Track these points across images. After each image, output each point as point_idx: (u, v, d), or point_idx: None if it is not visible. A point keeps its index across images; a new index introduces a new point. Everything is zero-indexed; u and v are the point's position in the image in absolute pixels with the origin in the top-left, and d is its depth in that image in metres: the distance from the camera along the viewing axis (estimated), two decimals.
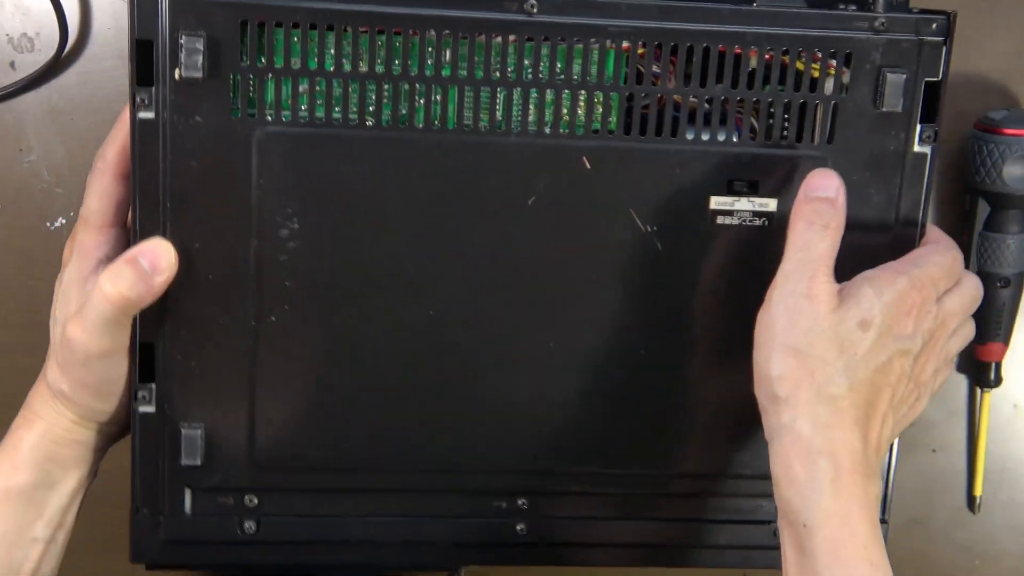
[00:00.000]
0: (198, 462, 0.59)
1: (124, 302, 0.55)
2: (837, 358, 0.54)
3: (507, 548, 0.63)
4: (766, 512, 0.64)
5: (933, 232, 0.61)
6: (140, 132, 0.56)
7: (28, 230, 0.71)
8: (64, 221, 0.71)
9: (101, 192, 0.58)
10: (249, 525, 0.61)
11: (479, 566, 0.65)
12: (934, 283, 0.57)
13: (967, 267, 0.71)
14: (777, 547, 0.63)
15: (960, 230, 0.72)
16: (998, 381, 0.73)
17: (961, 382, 0.75)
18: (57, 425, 0.58)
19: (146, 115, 0.55)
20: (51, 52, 0.69)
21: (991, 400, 0.73)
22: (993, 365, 0.72)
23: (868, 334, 0.54)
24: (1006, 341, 0.72)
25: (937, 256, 0.58)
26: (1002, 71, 0.72)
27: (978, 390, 0.74)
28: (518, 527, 0.63)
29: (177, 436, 0.59)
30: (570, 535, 0.63)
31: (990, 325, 0.71)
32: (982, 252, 0.70)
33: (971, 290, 0.60)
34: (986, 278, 0.70)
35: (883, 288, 0.55)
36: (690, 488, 0.63)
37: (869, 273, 0.57)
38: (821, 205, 0.56)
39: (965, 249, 0.71)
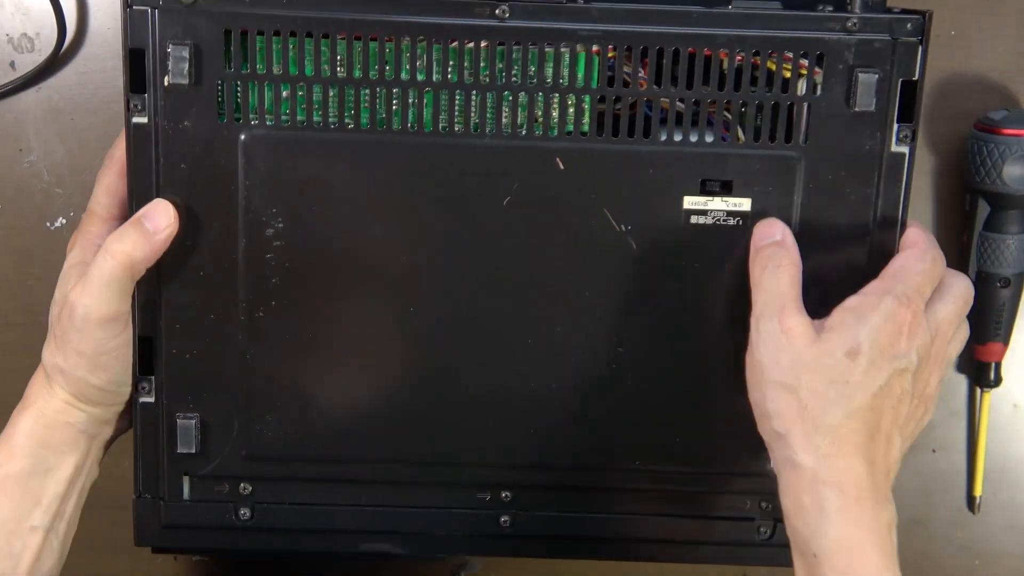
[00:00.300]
0: (193, 450, 0.62)
1: (128, 259, 0.57)
2: (828, 388, 0.54)
3: (491, 539, 0.64)
4: (752, 509, 0.64)
5: (911, 232, 0.60)
6: (134, 136, 0.58)
7: (28, 230, 0.72)
8: (64, 221, 0.72)
9: (108, 187, 0.61)
10: (244, 512, 0.63)
11: (470, 556, 0.66)
12: (920, 294, 0.57)
13: (967, 267, 0.70)
14: (764, 544, 0.64)
15: (960, 230, 0.71)
16: (998, 381, 0.72)
17: (961, 382, 0.74)
18: (49, 406, 0.60)
19: (139, 120, 0.58)
20: (51, 52, 0.70)
21: (991, 400, 0.72)
22: (993, 365, 0.71)
23: (859, 361, 0.54)
24: (1006, 341, 0.71)
25: (917, 264, 0.58)
26: (1002, 71, 0.71)
27: (978, 390, 0.73)
28: (502, 519, 0.64)
29: (174, 425, 0.62)
30: (553, 528, 0.64)
31: (990, 325, 0.70)
32: (982, 252, 0.69)
33: (962, 292, 0.59)
34: (986, 278, 0.70)
35: (866, 313, 0.55)
36: (672, 483, 0.64)
37: (850, 301, 0.56)
38: (770, 249, 0.58)
39: (965, 249, 0.70)
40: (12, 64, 0.70)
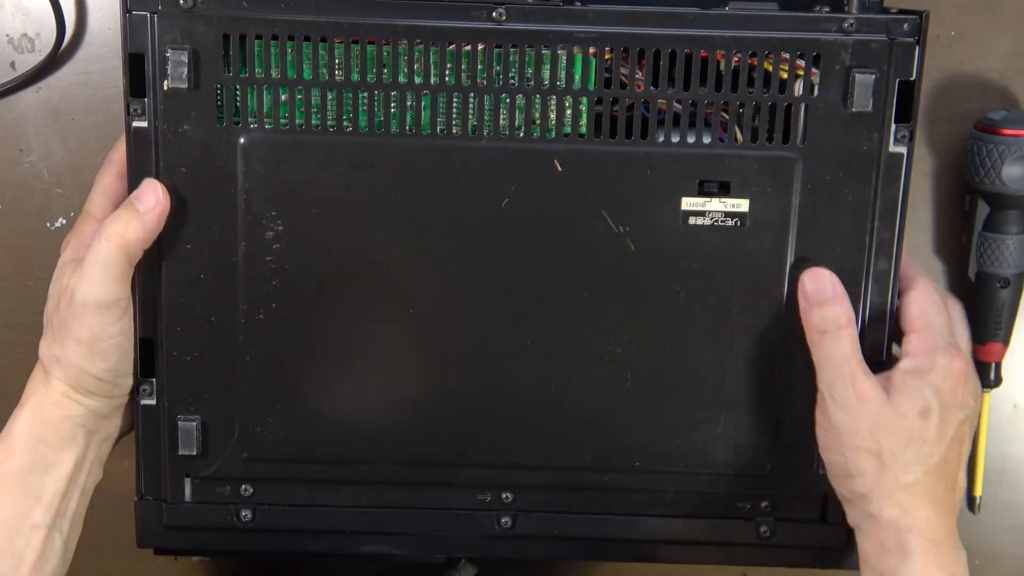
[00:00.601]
0: (194, 452, 0.62)
1: (122, 240, 0.57)
2: (906, 448, 0.57)
3: (491, 540, 0.64)
4: (751, 510, 0.64)
5: (910, 271, 0.61)
6: (134, 140, 0.58)
7: (28, 230, 0.72)
8: (64, 221, 0.72)
9: (105, 188, 0.61)
10: (245, 513, 0.63)
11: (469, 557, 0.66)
12: (952, 337, 0.60)
13: (967, 268, 0.70)
14: (766, 544, 0.64)
15: (960, 230, 0.71)
16: (998, 381, 0.71)
17: None
18: (46, 400, 0.59)
19: (140, 124, 0.58)
20: (49, 51, 0.69)
21: (991, 400, 0.72)
22: (993, 365, 0.71)
23: (931, 420, 0.57)
24: (1006, 341, 0.70)
25: (934, 306, 0.60)
26: (1002, 71, 0.71)
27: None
28: (503, 520, 0.64)
29: (175, 427, 0.62)
30: (554, 529, 0.64)
31: (990, 325, 0.69)
32: (982, 252, 0.69)
33: (963, 314, 0.62)
34: (986, 278, 0.69)
35: (926, 373, 0.58)
36: (672, 484, 0.63)
37: (906, 364, 0.59)
38: (825, 309, 0.59)
39: (965, 249, 0.70)
40: (12, 64, 0.70)
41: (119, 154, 0.60)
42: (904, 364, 0.59)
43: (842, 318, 0.58)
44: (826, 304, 0.59)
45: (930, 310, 0.60)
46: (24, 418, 0.60)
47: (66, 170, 0.71)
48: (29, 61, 0.70)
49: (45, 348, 0.60)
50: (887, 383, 0.58)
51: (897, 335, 0.61)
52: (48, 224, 0.72)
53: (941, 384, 0.58)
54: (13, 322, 0.73)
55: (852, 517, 0.59)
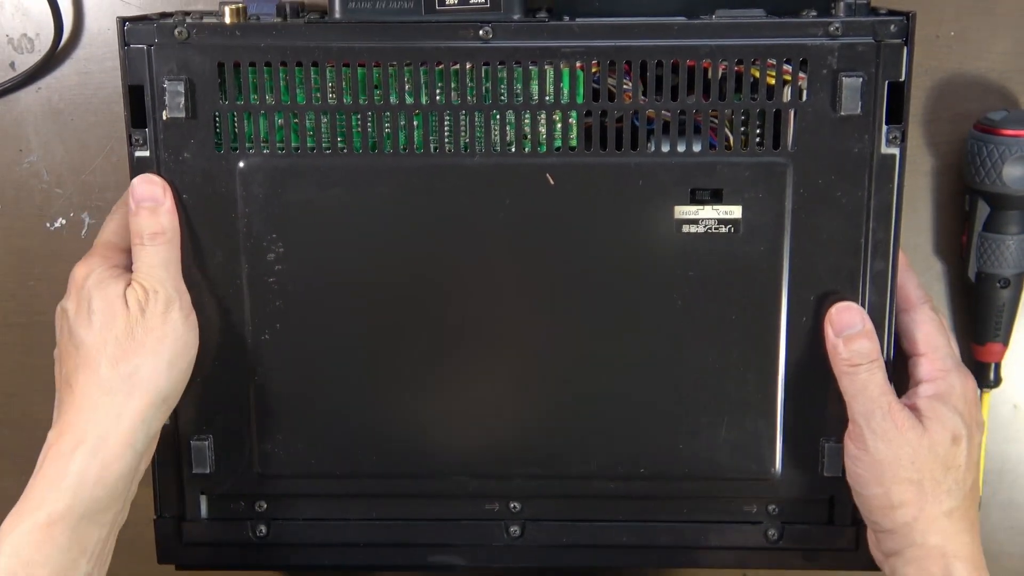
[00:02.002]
0: (208, 470, 0.61)
1: (164, 234, 0.57)
2: (945, 476, 0.56)
3: (501, 549, 0.63)
4: (758, 514, 0.62)
5: (907, 291, 0.60)
6: (137, 169, 0.58)
7: (28, 230, 0.70)
8: (64, 221, 0.70)
9: (123, 221, 0.59)
10: (260, 528, 0.63)
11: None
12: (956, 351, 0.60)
13: (967, 268, 0.67)
14: (773, 548, 0.62)
15: (960, 230, 0.68)
16: (997, 381, 0.68)
17: None
18: (112, 434, 0.54)
19: (142, 154, 0.58)
20: (47, 50, 0.67)
21: (991, 400, 0.69)
22: (992, 365, 0.68)
23: (962, 445, 0.57)
24: (1005, 342, 0.67)
25: (934, 324, 0.59)
26: (1002, 71, 0.68)
27: (977, 391, 0.70)
28: (511, 529, 0.62)
29: (189, 447, 0.61)
30: (561, 537, 0.62)
31: (989, 326, 0.67)
32: (982, 252, 0.66)
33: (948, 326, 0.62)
34: (986, 278, 0.66)
35: (948, 397, 0.58)
36: (678, 490, 0.62)
37: (926, 389, 0.58)
38: (857, 344, 0.57)
39: (965, 249, 0.67)
40: (12, 64, 0.69)
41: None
42: (924, 390, 0.58)
43: (873, 351, 0.57)
44: (857, 339, 0.57)
45: (932, 330, 0.59)
46: (84, 458, 0.54)
47: (66, 170, 0.70)
48: (29, 61, 0.68)
49: (110, 370, 0.54)
50: (915, 411, 0.57)
51: (901, 356, 0.60)
52: (48, 224, 0.70)
53: (963, 407, 0.57)
54: (13, 322, 0.71)
55: (890, 545, 0.58)
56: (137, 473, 0.56)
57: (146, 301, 0.56)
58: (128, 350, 0.55)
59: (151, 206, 0.57)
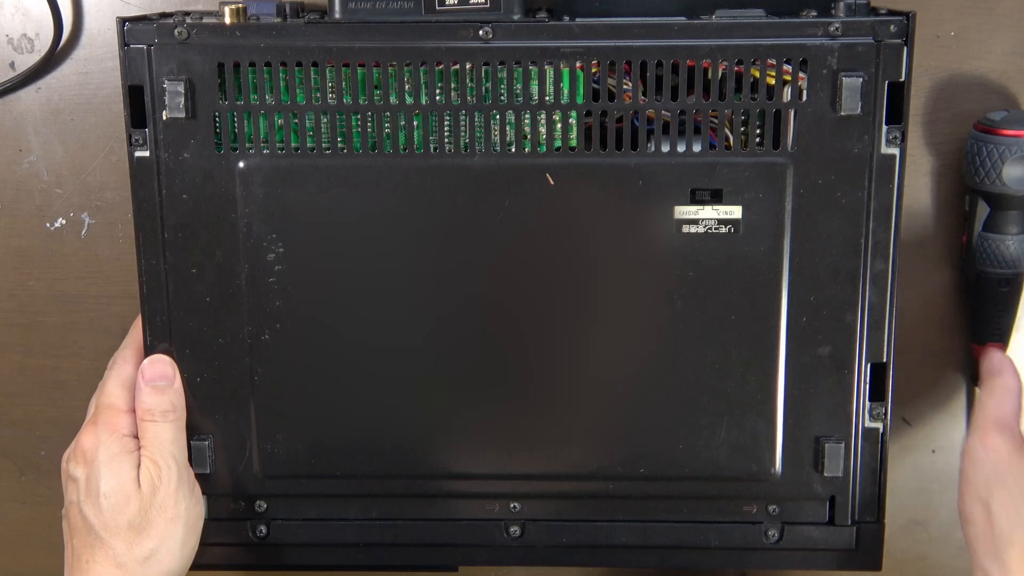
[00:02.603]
0: (208, 471, 0.60)
1: (173, 413, 0.59)
2: (1019, 505, 0.56)
3: (500, 549, 0.62)
4: (758, 514, 0.61)
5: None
6: (137, 170, 0.57)
7: (28, 230, 0.69)
8: (64, 221, 0.69)
9: (124, 380, 0.59)
10: (260, 528, 0.62)
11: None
12: None
13: (967, 268, 0.67)
14: (773, 548, 0.61)
15: (960, 230, 0.67)
16: None
17: (961, 382, 0.70)
18: None
19: (142, 154, 0.57)
20: (47, 50, 0.67)
21: None
22: None
23: None
24: (1005, 342, 0.67)
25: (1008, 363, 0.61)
26: (1002, 71, 0.67)
27: (977, 390, 0.69)
28: (511, 529, 0.62)
29: (188, 447, 0.60)
30: (561, 537, 0.62)
31: (990, 325, 0.66)
32: (982, 252, 0.65)
33: None
34: (986, 278, 0.66)
35: None
36: (678, 490, 0.61)
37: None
38: (993, 380, 0.60)
39: (965, 249, 0.67)
40: (12, 64, 0.68)
41: (135, 338, 0.60)
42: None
43: (998, 386, 0.60)
44: (995, 377, 0.60)
45: (1007, 367, 0.61)
46: None
47: (65, 170, 0.69)
48: (29, 61, 0.68)
49: (125, 555, 0.56)
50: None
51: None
52: (47, 224, 0.69)
53: None
54: (13, 322, 0.70)
55: (973, 562, 0.58)
56: None
57: (159, 479, 0.57)
58: (143, 533, 0.57)
59: (163, 385, 0.58)
